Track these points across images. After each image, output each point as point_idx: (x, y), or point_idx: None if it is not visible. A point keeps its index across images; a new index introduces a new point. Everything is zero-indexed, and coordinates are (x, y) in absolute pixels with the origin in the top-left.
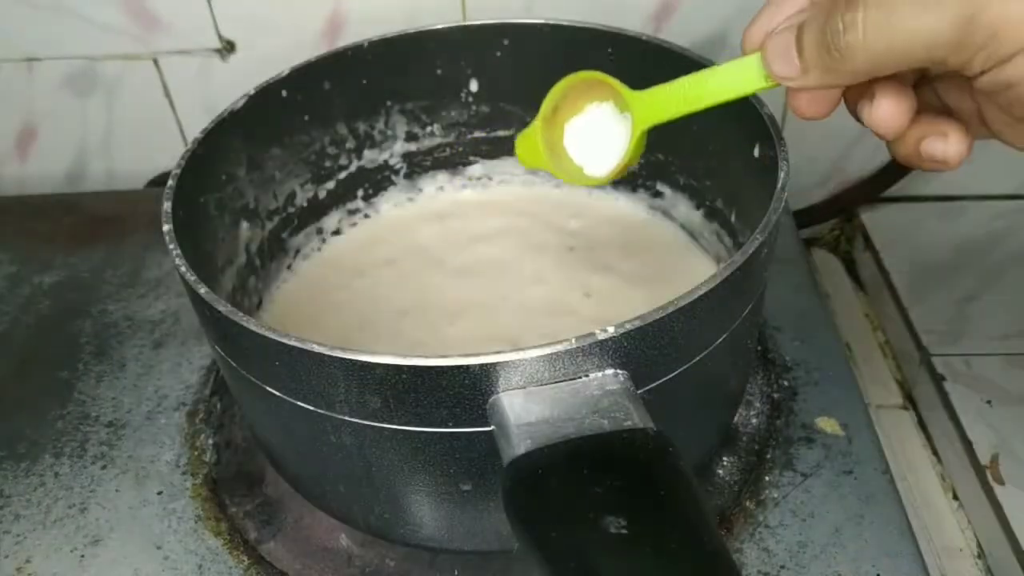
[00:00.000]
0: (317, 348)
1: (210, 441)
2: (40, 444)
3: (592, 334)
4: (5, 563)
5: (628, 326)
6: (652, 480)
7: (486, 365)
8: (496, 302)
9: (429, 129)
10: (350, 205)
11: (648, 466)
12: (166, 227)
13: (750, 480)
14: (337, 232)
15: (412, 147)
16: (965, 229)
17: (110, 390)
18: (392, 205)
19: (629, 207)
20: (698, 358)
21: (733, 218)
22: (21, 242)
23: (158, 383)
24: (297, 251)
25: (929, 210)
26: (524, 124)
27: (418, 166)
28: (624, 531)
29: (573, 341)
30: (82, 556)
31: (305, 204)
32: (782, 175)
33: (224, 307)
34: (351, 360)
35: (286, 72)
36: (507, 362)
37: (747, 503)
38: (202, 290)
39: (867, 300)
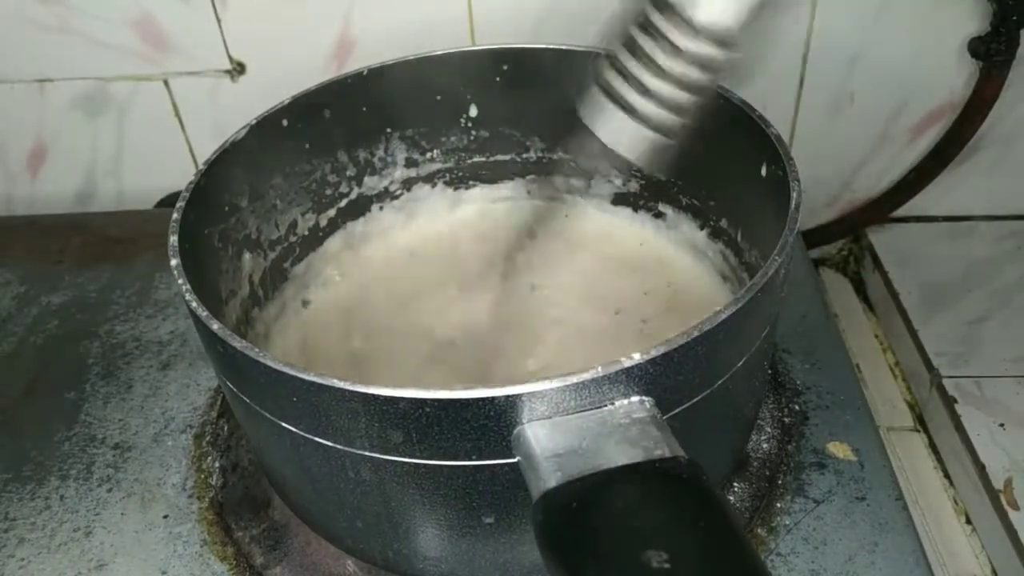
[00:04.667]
0: (338, 383)
1: (217, 464)
2: (46, 466)
3: (618, 361)
4: None
5: (654, 352)
6: (690, 510)
7: (511, 396)
8: (500, 324)
9: (429, 155)
10: (350, 232)
11: (685, 496)
12: (174, 261)
13: (761, 507)
14: (338, 260)
15: (412, 173)
16: (975, 249)
17: (117, 412)
18: (392, 232)
19: (631, 226)
20: (720, 382)
21: (739, 237)
22: (30, 262)
23: (165, 405)
24: (299, 280)
25: (938, 230)
26: (524, 148)
27: (415, 193)
28: (667, 565)
29: (599, 369)
30: None
31: (307, 233)
32: (795, 195)
33: (239, 343)
34: (373, 395)
35: (287, 101)
36: (532, 392)
37: (758, 530)
38: (215, 326)
39: (876, 321)
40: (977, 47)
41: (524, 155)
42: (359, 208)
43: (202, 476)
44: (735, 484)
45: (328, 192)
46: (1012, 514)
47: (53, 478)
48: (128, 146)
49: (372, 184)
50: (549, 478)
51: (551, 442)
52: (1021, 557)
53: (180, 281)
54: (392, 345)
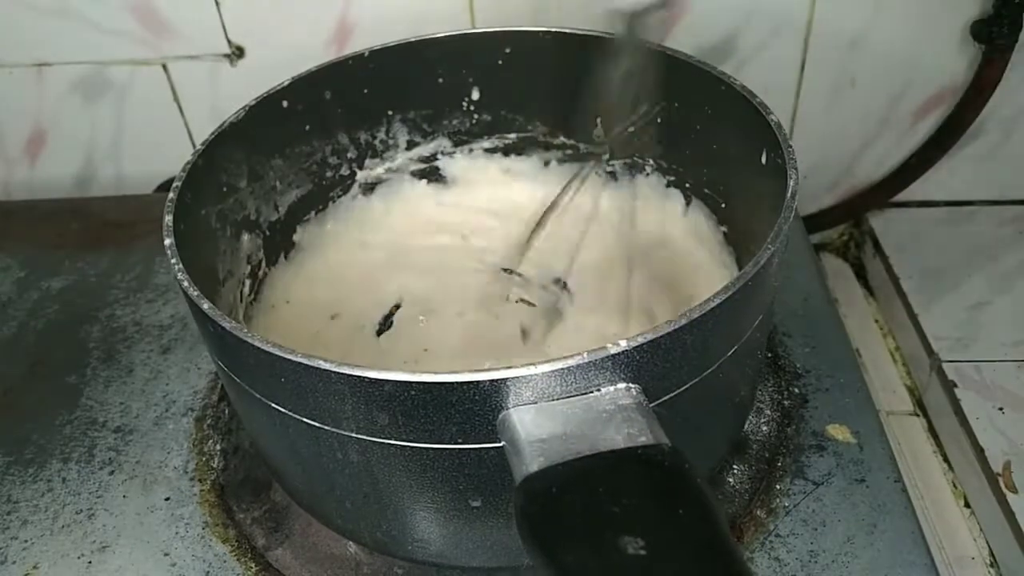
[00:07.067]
0: (324, 365)
1: (218, 447)
2: (48, 449)
3: (604, 348)
4: (13, 569)
5: (640, 339)
6: (669, 498)
7: (496, 380)
8: (498, 308)
9: (431, 138)
10: (352, 215)
11: (665, 484)
12: (167, 240)
13: (760, 488)
14: (339, 242)
15: (414, 156)
16: (975, 234)
17: (118, 395)
18: (394, 214)
19: (619, 209)
20: (710, 370)
21: (739, 223)
22: (30, 247)
23: (166, 388)
24: (298, 262)
25: (939, 215)
26: (527, 131)
27: (420, 175)
28: (643, 551)
29: (585, 355)
30: (89, 563)
31: (307, 215)
32: (791, 183)
33: (228, 323)
34: (359, 376)
35: (287, 82)
36: (517, 377)
37: (758, 512)
38: (205, 305)
39: (877, 306)
40: (979, 30)
41: (527, 138)
42: (360, 190)
43: (203, 459)
44: (734, 466)
45: (329, 174)
46: (1011, 497)
47: (55, 461)
48: (127, 131)
49: (373, 166)
50: (531, 463)
51: (536, 427)
52: (1019, 540)
53: (173, 260)
54: (394, 330)
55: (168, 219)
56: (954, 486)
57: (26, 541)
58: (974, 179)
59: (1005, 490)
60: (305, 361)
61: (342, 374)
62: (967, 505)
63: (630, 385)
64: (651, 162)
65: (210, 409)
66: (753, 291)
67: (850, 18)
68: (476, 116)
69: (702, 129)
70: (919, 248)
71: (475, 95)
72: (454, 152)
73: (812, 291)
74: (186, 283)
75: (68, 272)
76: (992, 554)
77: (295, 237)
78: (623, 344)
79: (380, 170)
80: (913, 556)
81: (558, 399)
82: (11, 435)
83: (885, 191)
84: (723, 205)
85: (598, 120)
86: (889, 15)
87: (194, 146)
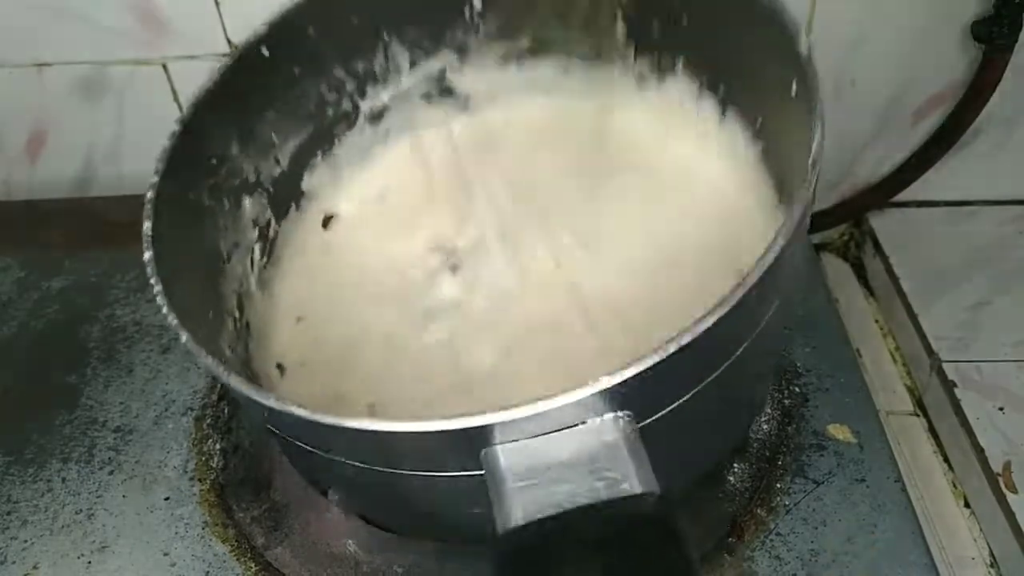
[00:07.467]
0: (297, 411)
1: (217, 446)
2: (47, 449)
3: (589, 385)
4: (13, 569)
5: (627, 373)
6: (646, 556)
7: (477, 427)
8: (517, 231)
9: (434, 55)
10: (359, 152)
11: (643, 540)
12: (147, 254)
13: (761, 487)
14: (351, 184)
15: (419, 76)
16: (976, 234)
17: (118, 395)
18: (405, 143)
19: (647, 123)
20: (708, 381)
21: (774, 143)
22: (30, 247)
23: (166, 388)
24: (310, 217)
25: (939, 215)
26: (540, 34)
27: (429, 98)
28: None
29: (568, 395)
30: (89, 563)
31: (312, 162)
32: (815, 145)
33: (207, 360)
34: (332, 425)
35: (263, 29)
36: (497, 423)
37: (758, 510)
38: (183, 337)
39: (877, 306)
40: (979, 30)
41: (542, 41)
42: (365, 123)
43: (203, 458)
44: (735, 464)
45: (329, 113)
46: (1010, 497)
47: (55, 461)
48: (127, 131)
49: (376, 95)
50: (511, 512)
51: (519, 466)
52: (1019, 540)
53: (152, 280)
54: (402, 276)
55: (147, 226)
56: (954, 486)
57: (26, 541)
58: (974, 179)
59: (1005, 490)
60: (277, 407)
61: (314, 422)
62: (967, 505)
63: (619, 413)
64: (681, 58)
65: (210, 408)
66: (755, 301)
67: (850, 18)
68: (482, 24)
69: (731, 31)
70: (919, 248)
71: (477, 3)
72: (462, 67)
73: (812, 291)
74: (165, 308)
75: (68, 272)
76: (992, 554)
77: (303, 185)
78: (607, 381)
79: (385, 97)
80: (913, 556)
81: (543, 434)
82: (11, 435)
83: (885, 191)
84: (759, 119)
85: (618, 14)
86: (889, 15)
87: None
